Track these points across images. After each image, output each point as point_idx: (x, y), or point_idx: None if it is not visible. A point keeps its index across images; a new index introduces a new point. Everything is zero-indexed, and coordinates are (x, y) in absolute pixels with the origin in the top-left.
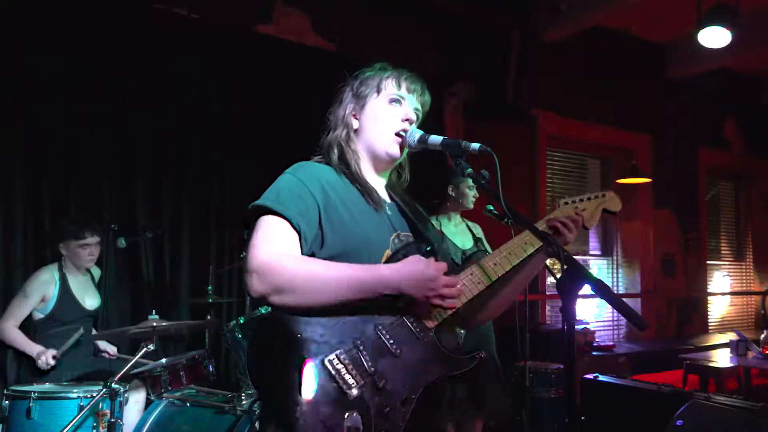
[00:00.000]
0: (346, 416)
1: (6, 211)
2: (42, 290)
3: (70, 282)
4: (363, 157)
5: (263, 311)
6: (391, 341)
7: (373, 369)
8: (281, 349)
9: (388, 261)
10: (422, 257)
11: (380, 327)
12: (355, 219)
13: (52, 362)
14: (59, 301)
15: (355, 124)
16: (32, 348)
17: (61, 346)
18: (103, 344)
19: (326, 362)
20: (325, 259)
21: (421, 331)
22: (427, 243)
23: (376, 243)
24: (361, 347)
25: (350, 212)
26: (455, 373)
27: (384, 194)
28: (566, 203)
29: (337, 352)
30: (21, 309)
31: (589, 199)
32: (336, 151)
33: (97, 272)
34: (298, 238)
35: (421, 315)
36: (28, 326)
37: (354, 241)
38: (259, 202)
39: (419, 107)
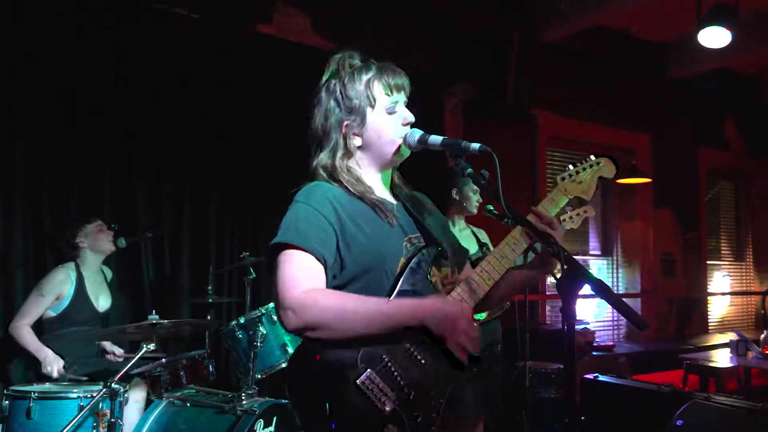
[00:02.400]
0: (384, 431)
1: (6, 211)
2: (58, 289)
3: (86, 281)
4: (367, 167)
5: (263, 310)
6: (416, 352)
7: (403, 382)
8: (317, 377)
9: (402, 270)
10: (448, 299)
11: (406, 340)
12: (367, 236)
13: (56, 375)
14: (73, 301)
15: (358, 141)
16: (41, 352)
17: (70, 350)
18: (109, 346)
19: (359, 383)
20: (346, 280)
21: None
22: (434, 244)
23: (391, 255)
24: (389, 363)
25: (362, 230)
26: (476, 369)
27: (388, 194)
28: (563, 178)
29: (368, 372)
30: (36, 308)
31: (584, 168)
32: (337, 174)
33: (109, 273)
34: (324, 270)
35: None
36: (37, 324)
37: (370, 258)
38: (280, 239)
39: (407, 99)
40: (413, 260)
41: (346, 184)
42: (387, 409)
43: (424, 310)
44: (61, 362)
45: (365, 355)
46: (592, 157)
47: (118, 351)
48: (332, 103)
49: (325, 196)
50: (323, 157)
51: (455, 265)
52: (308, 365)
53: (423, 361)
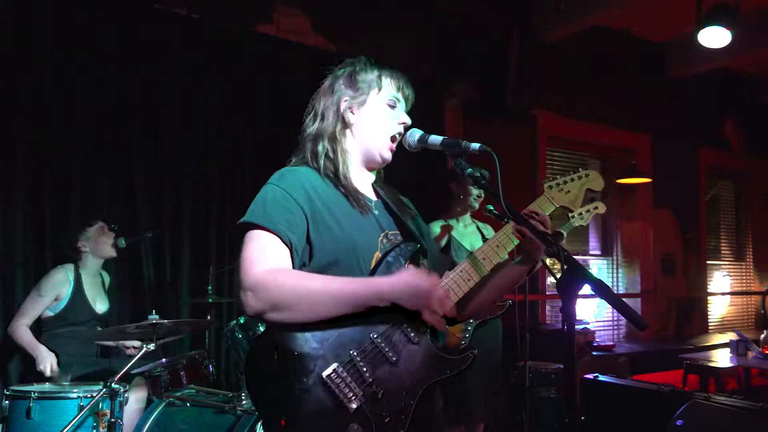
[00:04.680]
0: (348, 429)
1: (6, 211)
2: (56, 290)
3: (84, 283)
4: (353, 154)
5: None
6: (387, 349)
7: (371, 379)
8: (279, 368)
9: (378, 263)
10: (417, 270)
11: (375, 336)
12: (341, 225)
13: (48, 373)
14: (71, 302)
15: (352, 119)
16: (36, 350)
17: (68, 350)
18: (126, 342)
19: (324, 377)
20: (315, 269)
21: (415, 335)
22: (414, 241)
23: (364, 247)
24: (358, 358)
25: (335, 218)
26: (450, 373)
27: (370, 191)
28: (550, 187)
29: (334, 365)
30: (34, 308)
31: (572, 179)
32: (324, 146)
33: (107, 278)
34: (289, 252)
35: (414, 319)
36: (36, 323)
37: (342, 248)
38: (246, 218)
39: (407, 108)
40: (390, 254)
41: (335, 162)
42: (353, 406)
43: (394, 286)
44: (54, 359)
45: (332, 348)
46: (581, 170)
47: (137, 344)
48: (338, 82)
49: (298, 180)
50: (317, 127)
51: (432, 268)
52: (269, 355)
53: (394, 359)
